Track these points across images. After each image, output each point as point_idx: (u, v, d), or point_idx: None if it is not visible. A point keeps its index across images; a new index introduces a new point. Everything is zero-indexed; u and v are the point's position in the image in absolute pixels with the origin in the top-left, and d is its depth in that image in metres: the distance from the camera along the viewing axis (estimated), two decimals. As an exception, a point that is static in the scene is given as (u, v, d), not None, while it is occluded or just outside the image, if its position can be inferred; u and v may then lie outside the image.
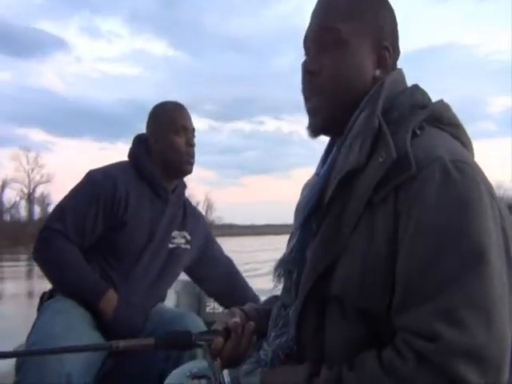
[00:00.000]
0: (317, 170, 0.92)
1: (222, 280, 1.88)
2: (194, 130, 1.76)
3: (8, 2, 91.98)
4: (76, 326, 1.46)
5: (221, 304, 2.01)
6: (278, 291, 0.95)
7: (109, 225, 1.59)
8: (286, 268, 0.89)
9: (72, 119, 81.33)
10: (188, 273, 1.90)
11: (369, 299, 0.70)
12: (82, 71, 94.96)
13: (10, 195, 55.59)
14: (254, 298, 1.86)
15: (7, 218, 45.69)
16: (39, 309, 1.60)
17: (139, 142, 1.75)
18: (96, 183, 1.61)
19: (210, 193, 79.36)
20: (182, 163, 1.70)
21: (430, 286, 0.66)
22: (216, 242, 1.97)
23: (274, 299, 1.02)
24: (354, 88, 0.84)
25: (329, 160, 0.86)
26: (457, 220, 0.67)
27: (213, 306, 2.37)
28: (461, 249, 0.65)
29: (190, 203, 1.91)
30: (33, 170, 54.81)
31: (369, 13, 0.86)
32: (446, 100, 0.83)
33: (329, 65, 0.84)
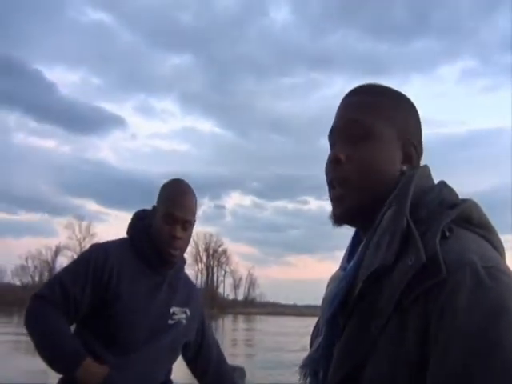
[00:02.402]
0: (342, 263, 0.90)
1: (213, 372, 1.86)
2: (187, 221, 1.68)
3: (71, 81, 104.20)
4: None
5: None
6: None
7: (102, 298, 1.59)
8: (312, 368, 0.86)
9: (123, 191, 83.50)
10: (186, 363, 1.87)
11: None
12: (136, 146, 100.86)
13: (63, 262, 54.21)
14: None
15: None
16: None
17: (137, 219, 1.76)
18: (90, 254, 1.65)
19: (253, 269, 79.16)
20: (162, 251, 1.67)
21: None
22: (210, 327, 1.96)
23: None
24: (380, 181, 0.83)
25: (356, 255, 0.83)
26: (489, 331, 0.62)
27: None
28: (494, 365, 0.61)
29: (190, 280, 1.90)
30: (84, 239, 58.06)
31: (397, 110, 0.86)
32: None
33: (356, 156, 0.83)
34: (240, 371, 3.46)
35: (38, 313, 1.59)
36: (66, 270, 1.67)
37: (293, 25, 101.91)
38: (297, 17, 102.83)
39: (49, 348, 1.57)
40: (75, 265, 1.67)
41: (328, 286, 0.91)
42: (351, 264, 0.83)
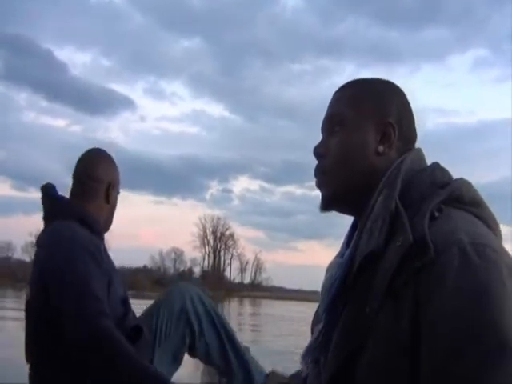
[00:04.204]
0: (340, 250, 0.92)
1: None
2: None
3: (82, 62, 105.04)
4: None
5: None
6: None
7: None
8: (314, 356, 0.87)
9: (132, 172, 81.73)
10: None
11: (394, 381, 0.69)
12: (145, 128, 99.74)
13: None
14: None
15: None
16: None
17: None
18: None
19: (260, 253, 79.27)
20: (111, 223, 1.69)
21: (452, 378, 0.63)
22: None
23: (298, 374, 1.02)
24: (355, 164, 0.85)
25: (352, 243, 0.85)
26: (477, 308, 0.64)
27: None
28: (482, 340, 0.62)
29: None
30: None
31: (371, 94, 0.89)
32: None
33: (333, 146, 0.88)
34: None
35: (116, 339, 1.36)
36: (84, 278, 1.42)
37: (303, 11, 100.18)
38: (307, 2, 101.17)
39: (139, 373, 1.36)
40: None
41: (326, 273, 0.92)
42: (348, 251, 0.85)
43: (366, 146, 0.87)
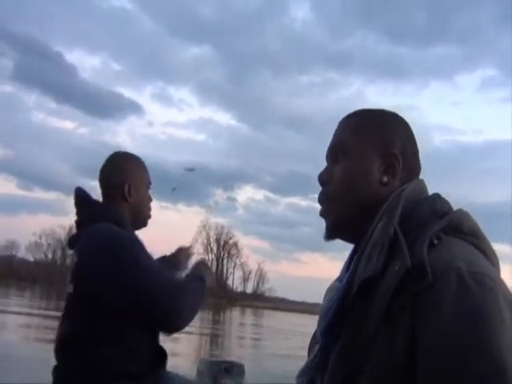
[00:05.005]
0: (340, 275, 0.93)
1: None
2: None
3: (91, 65, 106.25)
4: None
5: None
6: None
7: None
8: (309, 376, 0.88)
9: None
10: None
11: None
12: (152, 133, 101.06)
13: None
14: None
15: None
16: None
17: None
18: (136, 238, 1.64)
19: (263, 263, 78.98)
20: (146, 218, 1.79)
21: None
22: None
23: None
24: (358, 193, 0.87)
25: (351, 268, 0.85)
26: (474, 333, 0.64)
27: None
28: (479, 367, 0.62)
29: None
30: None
31: (376, 125, 0.90)
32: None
33: (337, 173, 0.89)
34: (239, 368, 3.42)
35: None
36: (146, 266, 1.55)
37: (312, 23, 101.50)
38: (317, 15, 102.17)
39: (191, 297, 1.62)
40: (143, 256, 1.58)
41: (325, 296, 0.94)
42: (346, 276, 0.86)
43: (369, 175, 0.87)
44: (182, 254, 2.05)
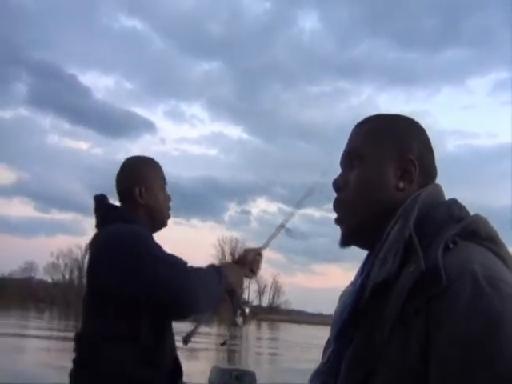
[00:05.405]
0: (354, 280, 0.92)
1: None
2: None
3: (104, 86, 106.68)
4: None
5: None
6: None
7: None
8: (322, 379, 0.87)
9: None
10: None
11: None
12: (165, 150, 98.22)
13: None
14: None
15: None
16: None
17: (124, 203, 1.75)
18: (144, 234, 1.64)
19: (278, 276, 77.69)
20: (164, 217, 1.81)
21: None
22: None
23: None
24: (375, 199, 0.86)
25: (365, 271, 0.86)
26: (488, 336, 0.64)
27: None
28: (494, 368, 0.62)
29: None
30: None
31: (392, 130, 0.90)
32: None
33: (352, 179, 0.89)
34: (250, 376, 3.47)
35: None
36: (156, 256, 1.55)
37: (321, 33, 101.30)
38: (325, 25, 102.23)
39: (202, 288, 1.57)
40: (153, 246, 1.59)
41: (339, 300, 0.95)
42: (360, 279, 0.86)
43: (386, 180, 0.87)
44: (250, 254, 1.93)
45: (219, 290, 1.64)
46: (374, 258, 0.83)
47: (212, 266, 1.68)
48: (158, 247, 1.58)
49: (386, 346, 0.72)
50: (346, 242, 0.91)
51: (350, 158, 0.92)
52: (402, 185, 0.86)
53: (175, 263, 1.55)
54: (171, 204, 1.85)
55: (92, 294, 1.61)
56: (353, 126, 0.96)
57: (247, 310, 1.76)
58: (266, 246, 2.00)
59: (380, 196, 0.86)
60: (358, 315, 0.82)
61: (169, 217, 1.84)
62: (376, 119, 0.94)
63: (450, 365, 0.65)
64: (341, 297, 0.96)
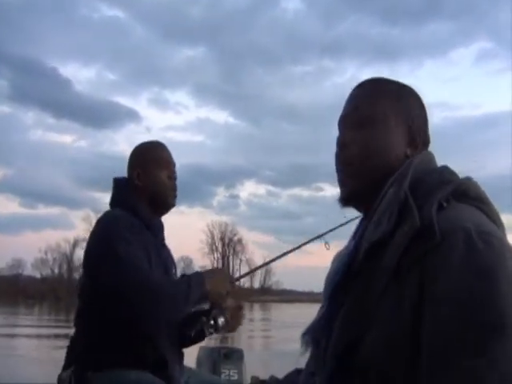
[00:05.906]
0: (347, 244, 0.94)
1: None
2: (175, 165, 1.85)
3: (86, 77, 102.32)
4: None
5: None
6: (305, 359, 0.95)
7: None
8: (314, 336, 0.88)
9: None
10: None
11: (394, 364, 0.70)
12: (151, 138, 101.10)
13: (80, 254, 50.79)
14: None
15: (76, 276, 48.02)
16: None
17: (121, 187, 1.79)
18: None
19: (268, 257, 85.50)
20: (166, 197, 1.78)
21: (454, 354, 0.65)
22: None
23: (296, 373, 1.02)
24: (383, 163, 0.86)
25: (358, 233, 0.88)
26: (480, 290, 0.66)
27: (228, 373, 2.71)
28: (484, 320, 0.65)
29: None
30: (101, 231, 65.24)
31: (399, 98, 0.90)
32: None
33: (359, 140, 0.87)
34: (238, 353, 3.52)
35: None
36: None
37: (303, 13, 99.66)
38: (308, 4, 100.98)
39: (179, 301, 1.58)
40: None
41: (332, 264, 0.97)
42: (353, 242, 0.88)
43: (397, 146, 0.88)
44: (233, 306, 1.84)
45: (187, 300, 1.59)
46: (368, 223, 0.84)
47: (196, 276, 1.65)
48: (127, 245, 1.56)
49: (378, 304, 0.73)
50: (347, 202, 0.91)
51: (358, 116, 0.90)
52: (409, 152, 0.88)
53: (138, 266, 1.54)
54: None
55: (84, 288, 1.68)
56: (346, 96, 0.95)
57: (221, 321, 1.77)
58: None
59: (388, 161, 0.86)
60: (350, 277, 0.83)
61: (173, 197, 1.83)
62: (385, 83, 0.94)
63: (443, 319, 0.67)
64: (333, 261, 0.97)
